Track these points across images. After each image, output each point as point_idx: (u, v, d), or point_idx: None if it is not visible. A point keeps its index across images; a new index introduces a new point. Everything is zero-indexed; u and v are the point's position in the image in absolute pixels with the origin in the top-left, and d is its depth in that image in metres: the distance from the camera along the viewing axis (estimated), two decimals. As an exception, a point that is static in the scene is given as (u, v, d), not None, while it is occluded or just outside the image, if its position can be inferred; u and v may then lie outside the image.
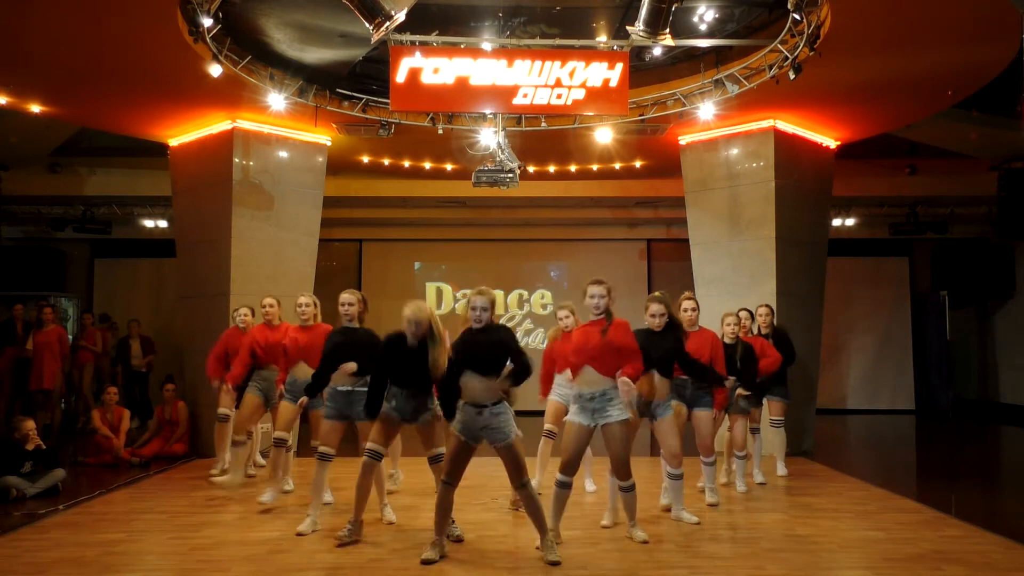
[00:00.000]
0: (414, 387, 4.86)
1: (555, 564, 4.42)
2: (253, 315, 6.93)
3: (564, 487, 4.77)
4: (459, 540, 4.91)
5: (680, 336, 5.32)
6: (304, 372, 5.68)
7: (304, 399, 5.50)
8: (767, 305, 7.35)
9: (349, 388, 5.20)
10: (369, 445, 4.84)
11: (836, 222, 11.59)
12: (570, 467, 4.76)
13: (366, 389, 4.91)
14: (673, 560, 4.57)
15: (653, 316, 5.23)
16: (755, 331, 7.11)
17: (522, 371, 4.45)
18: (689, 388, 5.58)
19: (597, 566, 4.46)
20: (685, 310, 5.73)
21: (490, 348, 4.48)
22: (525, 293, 13.13)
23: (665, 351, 5.18)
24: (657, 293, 5.38)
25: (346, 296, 5.33)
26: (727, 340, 6.21)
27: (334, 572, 4.37)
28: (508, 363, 4.47)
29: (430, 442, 5.00)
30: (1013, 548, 4.78)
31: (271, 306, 6.47)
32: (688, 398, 5.62)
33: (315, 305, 5.96)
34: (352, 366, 5.09)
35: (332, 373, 5.20)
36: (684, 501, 5.52)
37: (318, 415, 5.52)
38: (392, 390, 4.86)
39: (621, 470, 4.80)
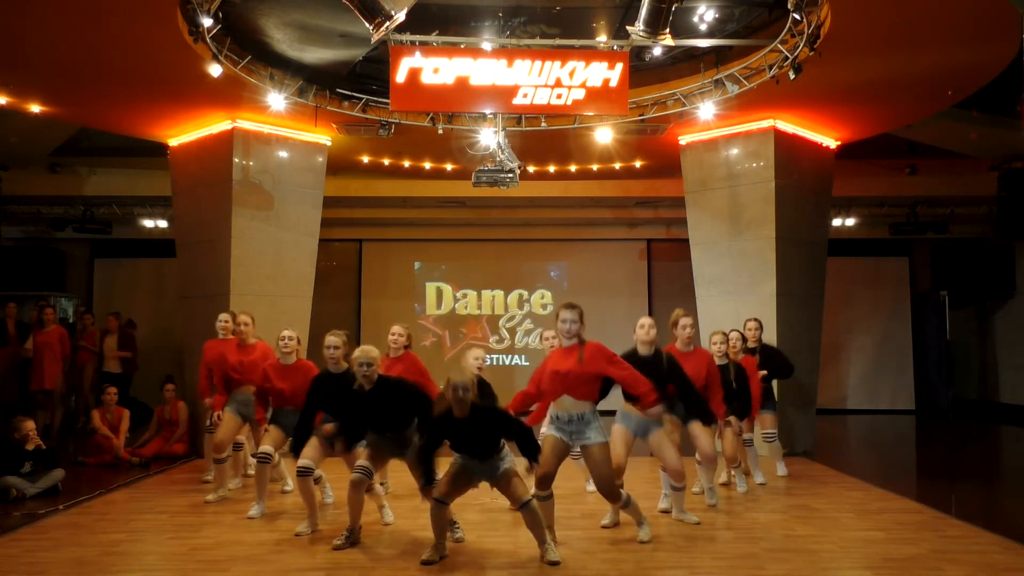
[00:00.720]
0: (388, 431, 4.87)
1: (555, 564, 4.42)
2: (235, 321, 6.64)
3: (545, 499, 4.74)
4: (459, 541, 4.91)
5: (675, 363, 5.15)
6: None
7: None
8: (756, 319, 7.23)
9: None
10: (360, 463, 4.82)
11: (836, 222, 11.59)
12: (546, 481, 4.72)
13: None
14: (673, 560, 4.57)
15: (642, 326, 5.10)
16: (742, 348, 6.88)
17: (529, 444, 4.46)
18: (684, 407, 5.39)
19: (596, 566, 4.45)
20: (684, 327, 5.56)
21: (481, 435, 4.45)
22: (525, 293, 13.13)
23: (660, 379, 5.00)
24: (648, 316, 5.26)
25: (331, 339, 5.25)
26: (716, 361, 6.05)
27: (334, 572, 4.37)
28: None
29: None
30: (1013, 548, 4.78)
31: (246, 324, 6.30)
32: (683, 413, 5.44)
33: (297, 340, 5.82)
34: (331, 428, 5.10)
35: (312, 420, 5.17)
36: (683, 502, 5.51)
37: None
38: (369, 436, 4.90)
39: (609, 494, 4.76)
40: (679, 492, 5.39)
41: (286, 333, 5.77)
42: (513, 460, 4.57)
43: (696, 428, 5.43)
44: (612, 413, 5.27)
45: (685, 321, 5.59)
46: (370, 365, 4.77)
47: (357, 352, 4.81)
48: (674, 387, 5.15)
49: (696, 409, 5.26)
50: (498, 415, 4.50)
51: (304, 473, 5.09)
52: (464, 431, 4.44)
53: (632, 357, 5.04)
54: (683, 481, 5.29)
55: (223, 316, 6.85)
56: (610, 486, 4.73)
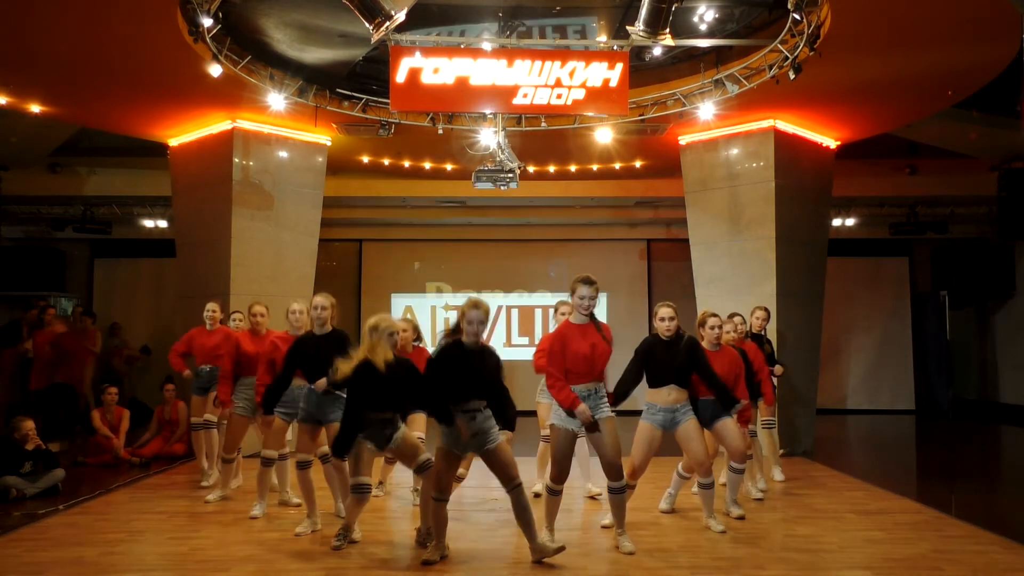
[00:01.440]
0: (391, 409, 4.68)
1: (555, 551, 4.41)
2: (222, 314, 6.83)
3: (556, 494, 4.72)
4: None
5: (697, 347, 5.11)
6: (297, 382, 5.38)
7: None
8: (764, 308, 7.10)
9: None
10: (353, 481, 4.68)
11: (836, 222, 11.58)
12: (564, 475, 4.70)
13: (337, 392, 4.91)
14: (672, 560, 4.56)
15: (663, 320, 5.01)
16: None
17: (512, 410, 4.47)
18: (709, 408, 5.30)
19: (596, 566, 4.46)
20: (712, 327, 5.48)
21: (486, 372, 4.42)
22: (525, 293, 13.13)
23: (682, 363, 5.00)
24: (668, 307, 5.11)
25: (319, 300, 5.20)
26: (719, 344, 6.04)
27: (334, 572, 4.37)
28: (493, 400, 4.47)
29: (411, 457, 4.80)
30: (1013, 548, 4.78)
31: (261, 315, 6.23)
32: (709, 418, 5.35)
33: (307, 313, 5.70)
34: (323, 382, 4.98)
35: (291, 377, 5.11)
36: (712, 503, 5.36)
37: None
38: (366, 418, 4.63)
39: (612, 468, 4.64)
40: (707, 491, 5.21)
41: (295, 307, 5.64)
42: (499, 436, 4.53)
43: (727, 426, 5.32)
44: (634, 413, 5.25)
45: (713, 321, 5.53)
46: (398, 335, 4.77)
47: (383, 323, 4.66)
48: (697, 376, 5.10)
49: (719, 393, 5.13)
50: (498, 360, 4.48)
51: (304, 466, 5.11)
52: (470, 367, 4.38)
53: (652, 340, 5.07)
54: (709, 476, 5.16)
55: (211, 306, 6.84)
56: (617, 460, 4.63)
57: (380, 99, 7.87)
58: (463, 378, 4.41)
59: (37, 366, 9.31)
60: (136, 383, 11.79)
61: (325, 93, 7.97)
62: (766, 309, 7.14)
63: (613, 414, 4.69)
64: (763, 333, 7.06)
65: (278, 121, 8.33)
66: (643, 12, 6.03)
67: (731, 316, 6.47)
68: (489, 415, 4.47)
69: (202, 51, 6.51)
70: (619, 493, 4.72)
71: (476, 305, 4.43)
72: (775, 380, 7.04)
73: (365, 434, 4.65)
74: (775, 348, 7.43)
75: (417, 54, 6.96)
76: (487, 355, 4.49)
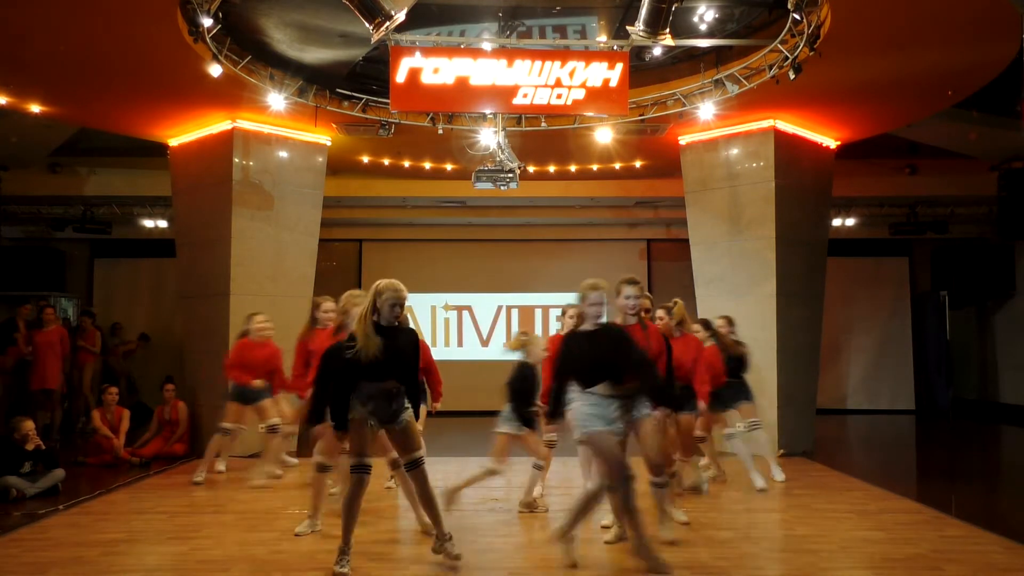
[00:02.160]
0: (392, 378, 4.30)
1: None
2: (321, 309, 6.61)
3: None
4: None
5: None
6: None
7: None
8: (726, 317, 6.93)
9: None
10: (355, 461, 4.32)
11: (836, 222, 11.58)
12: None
13: None
14: (673, 560, 4.54)
15: (628, 298, 4.78)
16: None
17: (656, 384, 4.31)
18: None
19: (597, 566, 4.46)
20: (661, 318, 5.69)
21: (613, 353, 4.18)
22: (525, 293, 13.11)
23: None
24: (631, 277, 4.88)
25: (330, 304, 5.23)
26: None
27: (334, 572, 4.36)
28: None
29: (409, 447, 4.45)
30: (1013, 548, 4.78)
31: (332, 311, 5.85)
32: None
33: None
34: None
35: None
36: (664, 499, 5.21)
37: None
38: (367, 390, 4.28)
39: (652, 465, 4.61)
40: (659, 491, 4.97)
41: (331, 305, 5.62)
42: None
43: (683, 419, 5.48)
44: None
45: (659, 313, 5.82)
46: (402, 305, 4.35)
47: (387, 287, 4.30)
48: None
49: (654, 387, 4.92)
50: (620, 334, 4.25)
51: (323, 468, 5.10)
52: (594, 351, 4.18)
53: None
54: (660, 475, 4.88)
55: (259, 318, 6.80)
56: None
57: (380, 99, 7.87)
58: (590, 364, 4.20)
59: (38, 366, 9.33)
60: (139, 379, 11.78)
61: (325, 93, 7.97)
62: (727, 318, 6.93)
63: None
64: (731, 336, 6.80)
65: (278, 121, 8.33)
66: (643, 12, 6.03)
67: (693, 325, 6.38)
68: (639, 398, 4.24)
69: (202, 51, 6.50)
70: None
71: (595, 287, 4.22)
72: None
73: (369, 408, 4.28)
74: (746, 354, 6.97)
75: (417, 54, 6.96)
76: (610, 334, 4.24)
